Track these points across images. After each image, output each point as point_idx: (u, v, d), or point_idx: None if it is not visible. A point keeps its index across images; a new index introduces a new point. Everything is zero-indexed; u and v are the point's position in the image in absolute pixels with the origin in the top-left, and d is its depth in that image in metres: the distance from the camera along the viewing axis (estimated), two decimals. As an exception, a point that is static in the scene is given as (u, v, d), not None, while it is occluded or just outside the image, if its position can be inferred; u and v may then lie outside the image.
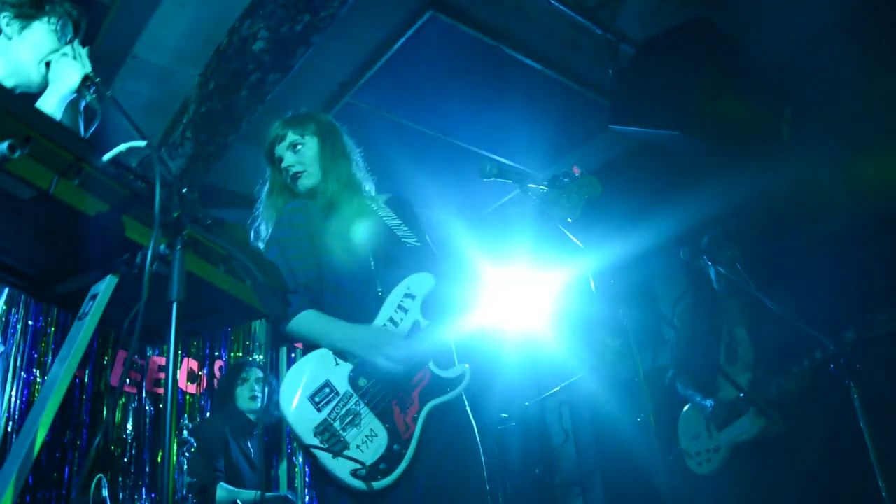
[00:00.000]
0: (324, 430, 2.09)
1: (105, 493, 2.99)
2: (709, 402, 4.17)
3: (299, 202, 2.50)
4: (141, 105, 4.59)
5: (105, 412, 3.77)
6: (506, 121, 4.68)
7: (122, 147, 1.75)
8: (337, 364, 2.20)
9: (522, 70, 4.29)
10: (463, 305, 2.35)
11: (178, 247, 1.61)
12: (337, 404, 2.13)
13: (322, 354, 2.23)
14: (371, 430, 2.11)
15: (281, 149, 2.54)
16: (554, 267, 5.39)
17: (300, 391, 2.15)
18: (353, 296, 2.33)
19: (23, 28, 2.06)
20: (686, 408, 4.35)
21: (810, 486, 3.94)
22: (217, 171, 4.91)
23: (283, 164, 2.52)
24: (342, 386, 2.17)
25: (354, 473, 2.03)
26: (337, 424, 2.10)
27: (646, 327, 5.11)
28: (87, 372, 4.08)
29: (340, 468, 2.04)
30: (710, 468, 4.09)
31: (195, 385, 4.48)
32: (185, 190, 1.69)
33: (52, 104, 1.97)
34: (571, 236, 2.69)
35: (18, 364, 3.84)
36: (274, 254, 2.41)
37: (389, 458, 2.08)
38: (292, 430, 2.11)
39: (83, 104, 2.13)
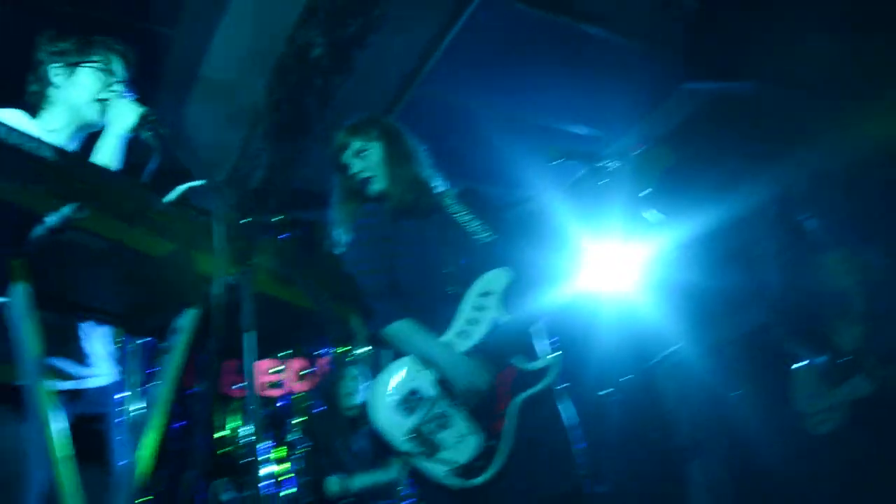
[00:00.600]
0: (415, 434, 2.15)
1: (225, 497, 3.18)
2: (821, 359, 3.99)
3: (371, 206, 2.55)
4: (218, 122, 4.76)
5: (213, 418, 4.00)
6: (576, 91, 4.57)
7: (182, 188, 1.84)
8: (423, 369, 2.25)
9: (586, 37, 4.17)
10: (546, 291, 2.33)
11: (245, 276, 1.66)
12: (427, 408, 2.19)
13: (410, 360, 2.28)
14: (463, 430, 2.17)
15: (347, 157, 2.59)
16: (646, 236, 5.28)
17: (389, 398, 2.21)
18: (428, 299, 2.36)
19: (71, 74, 2.16)
20: (797, 366, 4.18)
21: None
22: (305, 174, 5.03)
23: (351, 172, 2.57)
24: (431, 390, 2.22)
25: (450, 473, 2.10)
26: (428, 428, 2.16)
27: (743, 289, 4.93)
28: (197, 382, 4.31)
29: (436, 469, 2.12)
30: (829, 427, 3.93)
31: (304, 384, 4.65)
32: (245, 220, 1.74)
33: (110, 145, 2.07)
34: (650, 210, 2.62)
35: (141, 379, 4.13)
36: (351, 259, 2.46)
37: (484, 455, 2.14)
38: (384, 436, 2.17)
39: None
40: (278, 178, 4.89)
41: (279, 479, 3.61)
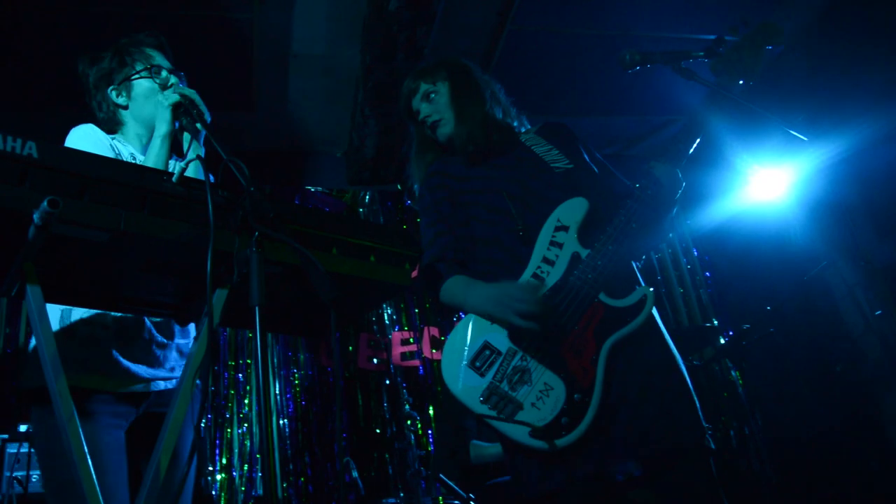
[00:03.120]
0: (490, 394, 1.99)
1: (354, 474, 3.23)
2: None
3: (438, 164, 2.45)
4: (322, 99, 4.83)
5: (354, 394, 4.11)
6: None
7: (182, 164, 1.81)
8: (493, 323, 2.08)
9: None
10: (635, 219, 2.06)
11: (253, 249, 1.60)
12: (501, 364, 2.02)
13: (473, 317, 2.13)
14: (544, 383, 1.97)
15: (416, 101, 2.49)
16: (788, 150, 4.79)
17: (459, 359, 2.07)
18: (501, 245, 2.21)
19: (130, 90, 2.22)
20: None
21: None
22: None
23: (421, 117, 2.47)
24: (503, 344, 2.05)
25: (534, 434, 1.91)
26: (505, 385, 1.99)
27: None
28: (336, 361, 4.45)
29: (517, 432, 1.93)
30: None
31: (440, 352, 4.66)
32: (252, 189, 1.68)
33: (155, 147, 2.08)
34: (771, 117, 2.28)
35: (276, 364, 4.37)
36: (422, 222, 2.39)
37: (571, 411, 1.92)
38: (459, 401, 2.04)
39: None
40: (391, 142, 4.89)
41: (419, 447, 3.61)
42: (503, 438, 1.99)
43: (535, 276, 2.10)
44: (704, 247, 5.57)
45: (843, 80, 4.69)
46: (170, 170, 2.25)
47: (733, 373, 4.24)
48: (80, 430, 1.50)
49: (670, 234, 4.56)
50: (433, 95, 2.44)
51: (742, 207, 5.25)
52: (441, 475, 3.15)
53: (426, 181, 2.44)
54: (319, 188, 5.35)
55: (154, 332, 2.07)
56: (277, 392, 4.36)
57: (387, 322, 4.32)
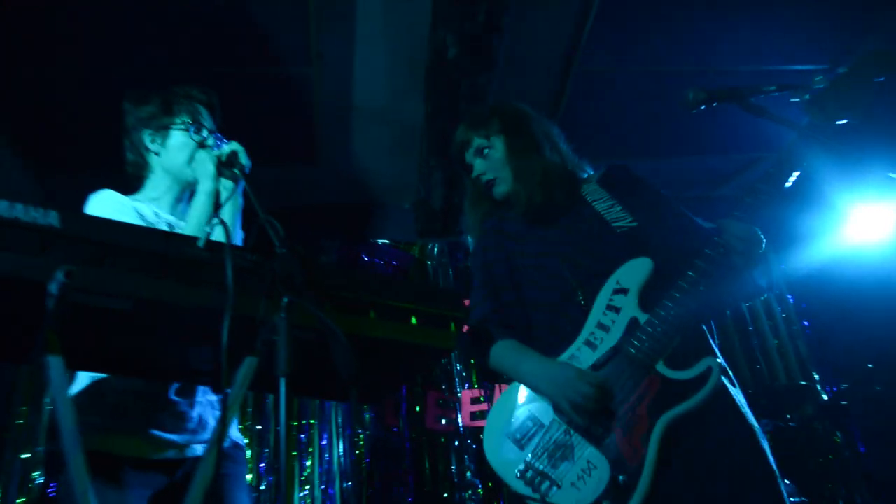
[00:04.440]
0: (528, 469, 1.90)
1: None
2: None
3: (494, 220, 2.39)
4: (386, 150, 4.87)
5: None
6: (765, 24, 3.95)
7: (207, 229, 1.80)
8: (539, 392, 2.00)
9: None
10: (704, 281, 1.92)
11: (282, 315, 1.56)
12: (543, 437, 1.92)
13: (520, 386, 2.05)
14: (587, 461, 1.85)
15: (469, 156, 2.43)
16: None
17: (501, 429, 1.99)
18: (555, 311, 2.12)
19: (165, 139, 2.24)
20: None
21: None
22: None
23: (475, 174, 2.40)
24: (547, 415, 1.96)
25: None
26: (545, 461, 1.89)
27: None
28: (402, 421, 4.41)
29: None
30: None
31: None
32: (283, 250, 1.65)
33: (199, 204, 2.08)
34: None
35: (340, 423, 4.36)
36: (473, 283, 2.35)
37: (614, 494, 1.79)
38: (498, 475, 1.95)
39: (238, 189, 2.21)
40: (458, 194, 4.86)
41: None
42: None
43: (587, 342, 2.00)
44: (801, 293, 5.27)
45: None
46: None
47: (838, 433, 3.92)
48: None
49: (761, 296, 4.32)
50: (487, 151, 2.37)
51: (843, 249, 4.97)
52: None
53: (481, 239, 2.37)
54: (386, 241, 5.36)
55: (190, 400, 2.05)
56: (341, 453, 4.32)
57: (456, 379, 4.24)
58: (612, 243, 2.12)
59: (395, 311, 1.80)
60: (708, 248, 1.94)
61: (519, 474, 1.91)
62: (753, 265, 1.97)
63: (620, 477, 1.81)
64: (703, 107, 2.17)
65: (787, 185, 1.98)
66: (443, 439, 4.24)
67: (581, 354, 1.99)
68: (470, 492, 3.23)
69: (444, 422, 4.11)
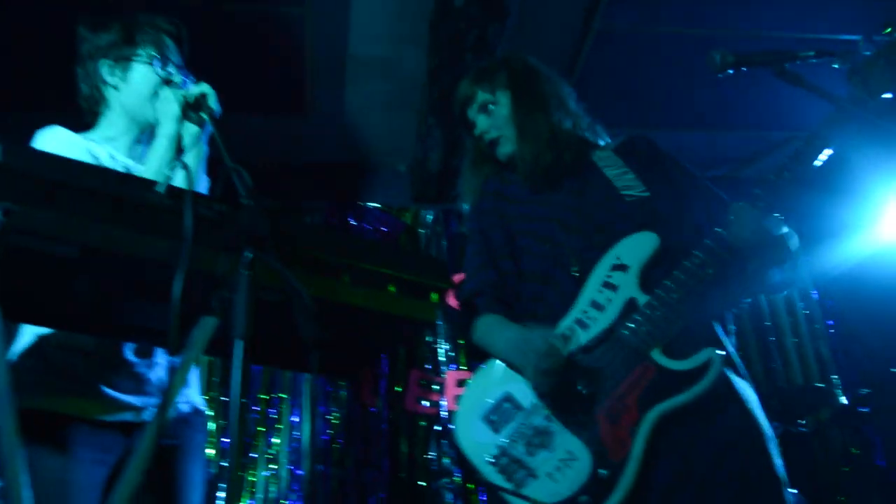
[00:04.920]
0: (502, 455, 1.89)
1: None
2: None
3: (495, 182, 2.36)
4: (383, 105, 4.83)
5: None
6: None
7: (168, 173, 1.78)
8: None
9: None
10: (712, 263, 1.90)
11: (243, 272, 1.55)
12: (521, 422, 1.91)
13: (500, 363, 2.04)
14: (568, 451, 1.83)
15: (472, 112, 2.40)
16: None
17: (474, 410, 1.98)
18: (551, 283, 2.10)
19: (126, 71, 2.18)
20: None
21: None
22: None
23: (478, 131, 2.38)
24: (527, 398, 1.94)
25: None
26: (520, 448, 1.87)
27: None
28: (380, 400, 4.43)
29: None
30: None
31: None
32: (249, 202, 1.64)
33: (160, 147, 2.05)
34: None
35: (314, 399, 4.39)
36: (467, 250, 2.33)
37: (593, 489, 1.77)
38: (466, 459, 1.95)
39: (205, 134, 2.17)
40: (459, 157, 4.83)
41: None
42: None
43: (578, 321, 1.98)
44: (828, 291, 5.26)
45: None
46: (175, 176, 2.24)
47: (855, 444, 3.94)
48: (23, 466, 1.47)
49: (783, 292, 4.32)
50: (492, 107, 2.34)
51: (878, 246, 4.95)
52: None
53: (479, 202, 2.36)
54: (377, 205, 5.34)
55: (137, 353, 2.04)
56: (313, 432, 4.35)
57: (442, 359, 4.23)
58: (619, 212, 2.10)
59: (371, 276, 1.77)
60: (720, 226, 1.92)
61: (492, 460, 1.89)
62: (766, 260, 1.96)
63: (602, 471, 1.79)
64: (731, 71, 2.12)
65: (818, 163, 1.94)
66: (423, 423, 4.26)
67: (572, 334, 1.97)
68: (447, 480, 3.22)
69: (426, 404, 4.11)
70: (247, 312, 1.50)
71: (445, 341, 4.25)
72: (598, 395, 1.87)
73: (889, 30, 1.99)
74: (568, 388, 1.88)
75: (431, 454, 3.94)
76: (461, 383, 4.26)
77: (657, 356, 1.86)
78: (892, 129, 1.96)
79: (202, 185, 2.22)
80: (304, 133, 5.07)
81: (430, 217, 5.24)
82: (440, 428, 3.83)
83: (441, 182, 5.02)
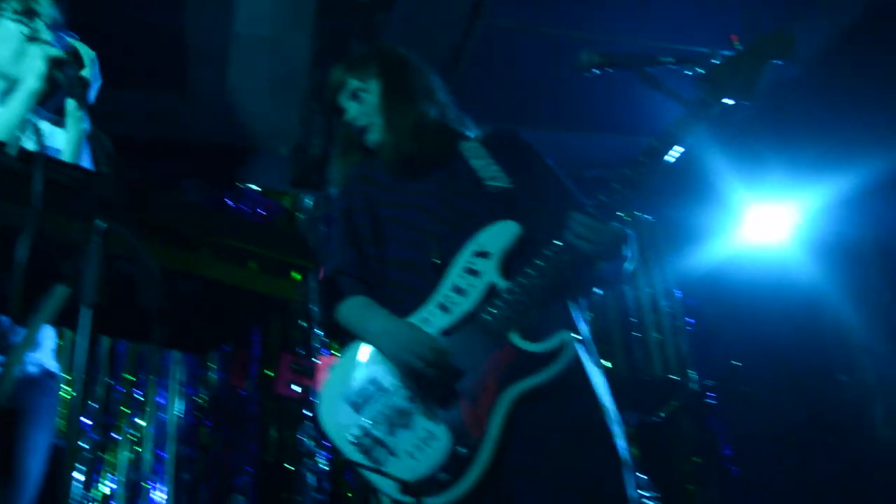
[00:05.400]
0: (363, 435, 1.93)
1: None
2: None
3: (363, 167, 2.41)
4: (266, 85, 4.76)
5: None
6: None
7: (18, 133, 1.73)
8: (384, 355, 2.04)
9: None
10: (569, 252, 1.98)
11: (94, 240, 1.51)
12: (382, 403, 1.96)
13: (365, 345, 2.08)
14: (427, 431, 1.89)
15: (343, 98, 2.42)
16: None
17: (338, 390, 2.02)
18: (414, 269, 2.17)
19: None
20: None
21: None
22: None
23: (347, 118, 2.41)
24: (389, 380, 1.99)
25: (404, 489, 1.83)
26: (382, 428, 1.92)
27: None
28: (250, 383, 4.38)
29: (386, 485, 1.86)
30: None
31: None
32: (106, 170, 1.61)
33: (16, 103, 1.98)
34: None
35: (182, 380, 4.31)
36: (331, 232, 2.38)
37: (452, 467, 1.83)
38: (329, 439, 1.98)
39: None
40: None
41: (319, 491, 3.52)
42: (372, 487, 1.92)
43: (441, 305, 2.04)
44: (691, 290, 5.53)
45: (862, 109, 4.68)
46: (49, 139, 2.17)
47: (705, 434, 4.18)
48: None
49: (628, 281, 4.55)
50: (362, 94, 2.38)
51: (737, 249, 5.21)
52: None
53: (347, 187, 2.39)
54: (256, 187, 5.26)
55: None
56: (179, 413, 4.27)
57: (315, 344, 4.22)
58: (482, 201, 2.17)
59: (231, 251, 1.76)
60: (557, 239, 2.00)
61: (353, 439, 1.93)
62: (613, 250, 2.05)
63: (460, 449, 1.85)
64: (597, 71, 2.24)
65: (670, 159, 2.06)
66: (294, 407, 4.24)
67: (433, 317, 2.04)
68: (310, 459, 3.24)
69: (296, 388, 4.09)
70: (97, 282, 1.47)
71: (319, 326, 4.24)
72: (456, 377, 1.93)
73: (737, 43, 2.13)
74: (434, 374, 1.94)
75: (301, 438, 3.91)
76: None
77: (515, 339, 1.94)
78: (734, 133, 2.11)
79: (85, 160, 2.15)
80: (182, 112, 4.94)
81: (309, 202, 5.21)
82: (310, 412, 3.81)
83: (322, 168, 4.97)
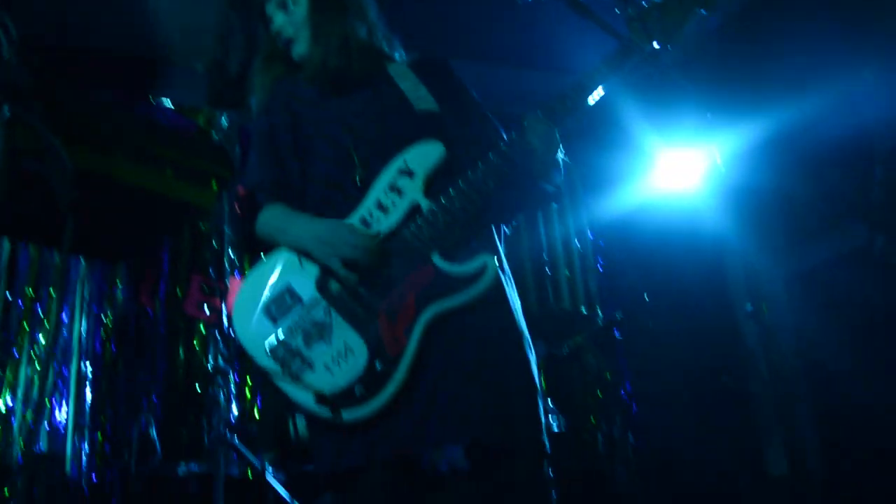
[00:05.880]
0: (279, 347, 1.93)
1: (153, 434, 3.11)
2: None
3: (287, 82, 2.35)
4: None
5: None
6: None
7: None
8: (302, 266, 2.01)
9: None
10: (494, 177, 2.00)
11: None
12: (300, 315, 1.95)
13: (283, 255, 2.06)
14: (345, 344, 1.90)
15: (270, 7, 2.34)
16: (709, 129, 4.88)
17: (254, 301, 2.00)
18: (337, 187, 2.15)
19: None
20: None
21: None
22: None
23: (274, 29, 2.34)
24: (307, 291, 1.98)
25: (319, 401, 1.84)
26: (298, 340, 1.92)
27: (843, 198, 4.54)
28: (159, 303, 4.30)
29: (302, 396, 1.87)
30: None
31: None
32: (10, 56, 1.49)
33: None
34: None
35: (87, 297, 4.18)
36: (251, 145, 2.32)
37: (369, 381, 1.86)
38: (244, 349, 1.98)
39: None
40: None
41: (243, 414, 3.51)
42: (287, 399, 1.93)
43: (363, 220, 2.04)
44: (602, 232, 5.67)
45: (774, 63, 4.81)
46: None
47: (606, 371, 4.33)
48: None
49: (550, 204, 4.60)
50: (291, 5, 2.31)
51: (648, 194, 5.34)
52: (236, 441, 3.08)
53: (270, 101, 2.33)
54: (169, 102, 5.07)
55: None
56: (84, 331, 4.16)
57: (227, 265, 4.16)
58: (409, 122, 2.16)
59: (148, 156, 1.70)
60: (503, 143, 2.02)
61: (269, 350, 1.93)
62: (547, 169, 2.09)
63: (378, 364, 1.87)
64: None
65: (591, 101, 2.07)
66: (203, 328, 4.19)
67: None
68: (221, 378, 3.21)
69: (206, 309, 4.02)
70: (1, 173, 1.38)
71: (230, 248, 4.18)
72: (379, 292, 1.94)
73: None
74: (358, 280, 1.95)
75: (209, 359, 3.87)
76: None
77: (437, 259, 1.95)
78: (658, 78, 2.14)
79: None
80: (95, 20, 4.67)
81: (225, 122, 5.06)
82: (219, 334, 3.76)
83: (240, 86, 4.81)
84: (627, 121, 4.76)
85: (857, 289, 4.29)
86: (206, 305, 4.01)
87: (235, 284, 4.14)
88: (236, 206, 2.31)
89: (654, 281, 5.22)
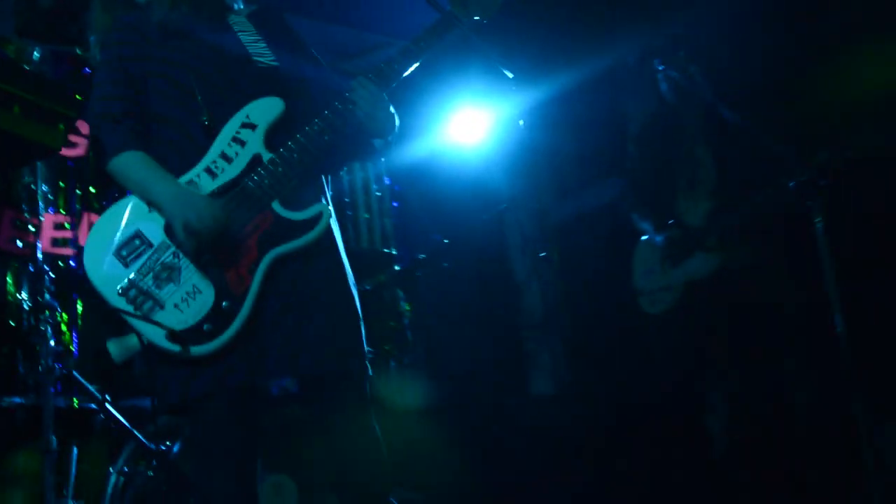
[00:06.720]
0: (131, 287, 2.06)
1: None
2: (661, 238, 4.16)
3: (133, 17, 2.37)
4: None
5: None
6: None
7: None
8: (151, 211, 2.15)
9: None
10: (329, 132, 2.22)
11: None
12: (150, 258, 2.08)
13: (133, 201, 2.18)
14: (193, 285, 2.06)
15: None
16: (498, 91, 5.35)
17: (105, 244, 2.11)
18: (181, 129, 2.25)
19: None
20: (641, 241, 4.34)
21: (767, 321, 4.06)
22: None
23: None
24: (156, 236, 2.11)
25: (170, 337, 2.00)
26: (149, 281, 2.06)
27: (612, 152, 5.02)
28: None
29: (153, 332, 2.01)
30: (661, 308, 4.15)
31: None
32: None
33: None
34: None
35: None
36: (96, 80, 2.34)
37: (216, 319, 2.03)
38: (96, 291, 2.10)
39: None
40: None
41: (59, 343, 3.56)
42: (140, 338, 2.08)
43: (208, 169, 2.20)
44: (398, 178, 6.05)
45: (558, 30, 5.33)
46: None
47: (403, 303, 4.76)
48: None
49: (376, 158, 4.90)
50: None
51: (441, 146, 5.73)
52: (76, 373, 3.17)
53: (114, 34, 2.36)
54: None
55: None
56: None
57: (40, 202, 4.11)
58: (250, 76, 2.28)
59: None
60: (338, 101, 2.23)
61: (121, 291, 2.04)
62: (377, 126, 2.30)
63: (224, 303, 2.05)
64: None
65: (405, 73, 2.34)
66: (16, 264, 4.13)
67: (200, 181, 2.18)
68: (48, 313, 3.26)
69: (19, 244, 3.99)
70: None
71: (45, 183, 4.14)
72: (223, 236, 2.11)
73: None
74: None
75: (24, 294, 3.86)
76: (59, 226, 4.22)
77: (277, 207, 2.15)
78: (477, 47, 2.42)
79: None
80: None
81: (37, 55, 4.85)
82: (33, 269, 3.76)
83: (53, 19, 4.67)
84: (424, 80, 5.12)
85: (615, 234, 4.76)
86: (19, 241, 3.99)
87: (49, 220, 4.15)
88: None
89: (443, 223, 5.66)
